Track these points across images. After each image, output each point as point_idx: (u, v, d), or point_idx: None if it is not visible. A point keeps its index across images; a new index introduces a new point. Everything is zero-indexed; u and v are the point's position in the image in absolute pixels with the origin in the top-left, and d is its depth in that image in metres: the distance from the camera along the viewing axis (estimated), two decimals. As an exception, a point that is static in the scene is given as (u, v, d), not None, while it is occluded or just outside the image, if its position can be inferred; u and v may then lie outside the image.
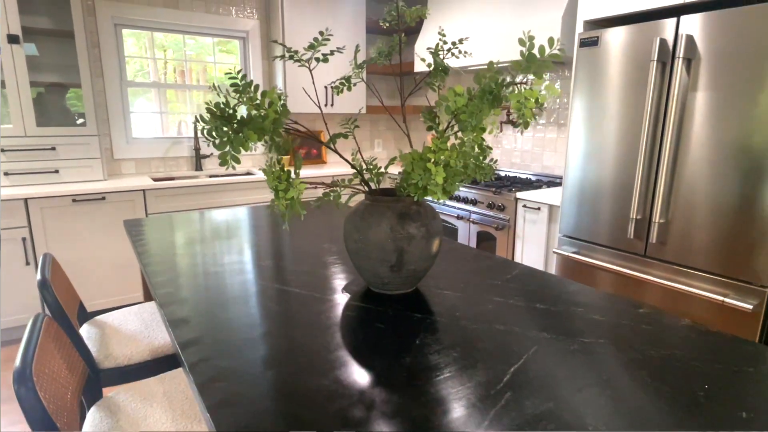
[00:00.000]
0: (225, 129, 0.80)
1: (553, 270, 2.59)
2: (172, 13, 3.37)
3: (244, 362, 0.89)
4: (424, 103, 4.35)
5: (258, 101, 0.87)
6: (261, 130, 0.83)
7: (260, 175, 3.42)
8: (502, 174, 3.55)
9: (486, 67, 3.49)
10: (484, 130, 0.93)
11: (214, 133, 0.82)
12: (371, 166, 1.20)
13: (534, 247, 2.69)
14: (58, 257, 2.77)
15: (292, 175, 1.01)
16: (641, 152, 2.01)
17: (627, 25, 2.03)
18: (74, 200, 2.76)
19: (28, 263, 2.69)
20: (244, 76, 0.96)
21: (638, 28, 1.99)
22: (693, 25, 1.82)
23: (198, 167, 3.61)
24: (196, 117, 0.87)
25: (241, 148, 0.83)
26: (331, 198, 1.08)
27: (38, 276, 1.36)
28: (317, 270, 1.40)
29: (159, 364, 1.46)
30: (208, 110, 0.83)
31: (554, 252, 2.45)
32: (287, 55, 1.03)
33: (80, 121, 3.09)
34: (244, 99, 0.85)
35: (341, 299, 1.19)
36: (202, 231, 1.84)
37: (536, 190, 2.80)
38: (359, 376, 0.84)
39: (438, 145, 0.97)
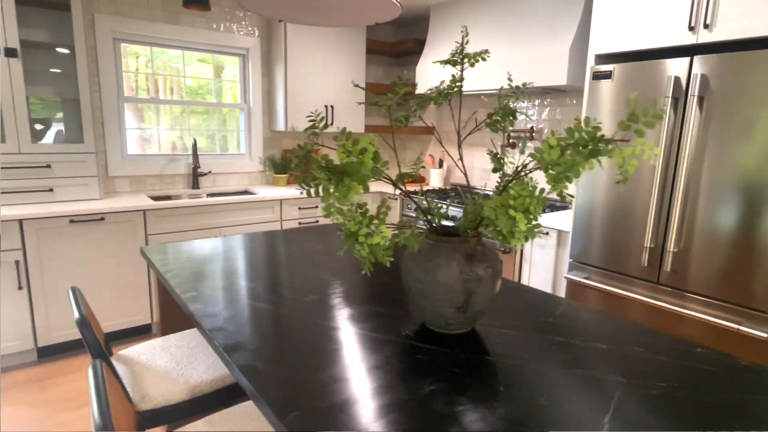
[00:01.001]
0: (328, 180, 0.79)
1: (562, 294, 2.64)
2: (173, 29, 3.31)
3: (336, 413, 0.86)
4: (415, 123, 4.39)
5: (350, 149, 0.86)
6: (362, 179, 0.82)
7: (260, 195, 3.36)
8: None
9: (482, 91, 3.48)
10: (569, 180, 0.95)
11: (312, 182, 0.81)
12: (433, 205, 1.21)
13: (542, 271, 2.74)
14: (54, 281, 2.64)
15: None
16: (655, 183, 2.08)
17: (640, 62, 2.12)
18: (71, 221, 2.65)
19: (20, 287, 2.55)
20: (323, 119, 0.95)
21: (651, 65, 2.08)
22: (706, 64, 1.91)
23: (195, 185, 3.53)
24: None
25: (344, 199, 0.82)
26: (402, 239, 1.07)
27: (75, 314, 1.30)
28: (364, 304, 1.38)
29: (199, 404, 1.40)
30: (314, 162, 0.82)
31: (565, 277, 2.50)
32: (371, 100, 1.03)
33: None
34: (341, 146, 0.84)
35: (403, 339, 1.18)
36: (228, 260, 1.80)
37: (541, 214, 2.86)
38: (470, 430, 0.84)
39: (518, 191, 0.99)
